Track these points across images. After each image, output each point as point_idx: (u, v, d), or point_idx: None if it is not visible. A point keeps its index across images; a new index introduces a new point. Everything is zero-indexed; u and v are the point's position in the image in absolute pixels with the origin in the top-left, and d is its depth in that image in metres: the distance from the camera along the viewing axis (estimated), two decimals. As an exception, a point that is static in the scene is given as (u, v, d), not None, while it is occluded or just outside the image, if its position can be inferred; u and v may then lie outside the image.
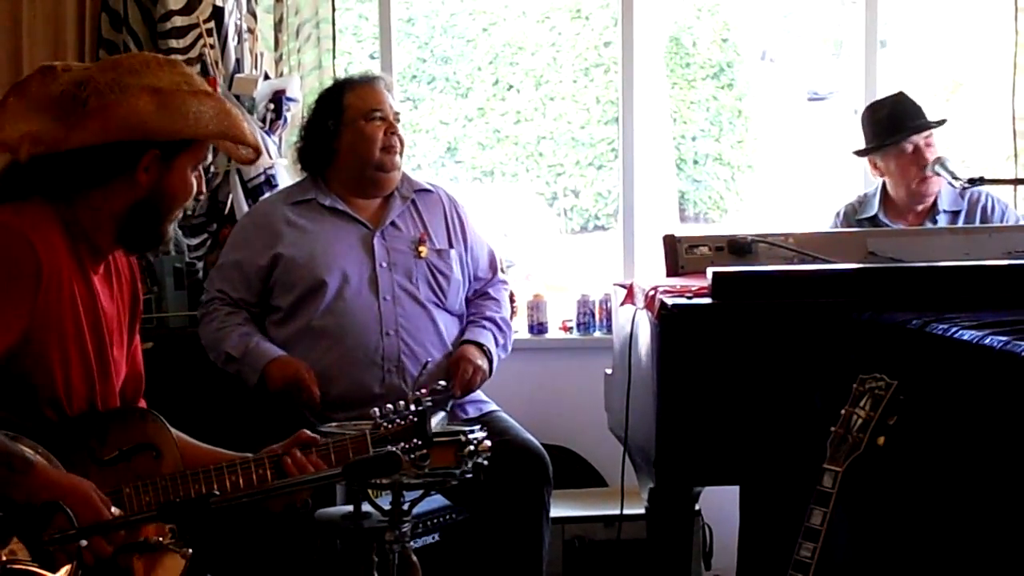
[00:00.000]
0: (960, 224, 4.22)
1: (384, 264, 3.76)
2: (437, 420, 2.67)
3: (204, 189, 2.59)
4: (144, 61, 2.44)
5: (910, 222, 4.29)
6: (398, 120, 3.84)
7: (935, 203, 4.30)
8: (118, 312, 2.55)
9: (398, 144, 3.81)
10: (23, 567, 2.11)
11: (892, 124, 4.27)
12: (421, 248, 3.81)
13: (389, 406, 2.59)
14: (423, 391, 2.63)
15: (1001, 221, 4.24)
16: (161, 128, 2.37)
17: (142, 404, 2.63)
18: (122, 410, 2.52)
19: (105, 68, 2.43)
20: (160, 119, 2.36)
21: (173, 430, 2.54)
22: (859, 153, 4.40)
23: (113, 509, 2.29)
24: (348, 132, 3.81)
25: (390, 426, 2.57)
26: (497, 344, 3.85)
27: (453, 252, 3.87)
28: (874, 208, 4.33)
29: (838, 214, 4.43)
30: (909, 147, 4.24)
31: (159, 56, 2.53)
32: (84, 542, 2.09)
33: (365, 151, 3.80)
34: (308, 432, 2.62)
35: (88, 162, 2.38)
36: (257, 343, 3.69)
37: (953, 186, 4.02)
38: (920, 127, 4.22)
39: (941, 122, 4.27)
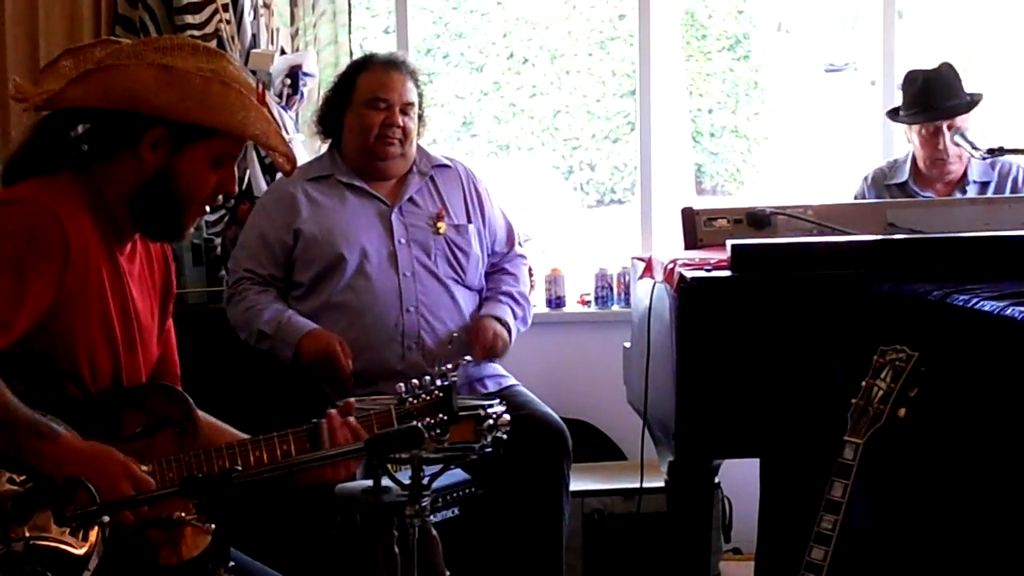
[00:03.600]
0: (990, 195, 4.21)
1: (403, 240, 3.76)
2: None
3: (234, 189, 2.49)
4: (180, 45, 2.38)
5: (939, 191, 4.29)
6: (407, 112, 3.78)
7: (965, 174, 4.30)
8: (148, 293, 2.53)
9: (398, 134, 3.77)
10: (47, 544, 2.13)
11: (918, 99, 4.24)
12: (439, 224, 3.80)
13: (415, 381, 2.58)
14: (448, 366, 2.62)
15: None
16: (164, 104, 2.30)
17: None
18: (145, 386, 2.51)
19: (142, 41, 2.42)
20: (162, 94, 2.30)
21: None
22: (889, 116, 4.45)
23: (142, 467, 2.29)
24: (351, 113, 3.81)
25: (415, 401, 2.56)
26: (516, 317, 3.85)
27: (471, 227, 3.86)
28: (904, 175, 4.33)
29: (866, 178, 4.43)
30: (926, 128, 4.23)
31: (202, 44, 2.44)
32: (106, 518, 2.10)
33: (360, 136, 3.79)
34: (354, 401, 2.57)
35: (93, 128, 2.37)
36: (289, 318, 3.67)
37: (973, 156, 4.01)
38: (943, 112, 4.20)
39: (970, 105, 4.24)
